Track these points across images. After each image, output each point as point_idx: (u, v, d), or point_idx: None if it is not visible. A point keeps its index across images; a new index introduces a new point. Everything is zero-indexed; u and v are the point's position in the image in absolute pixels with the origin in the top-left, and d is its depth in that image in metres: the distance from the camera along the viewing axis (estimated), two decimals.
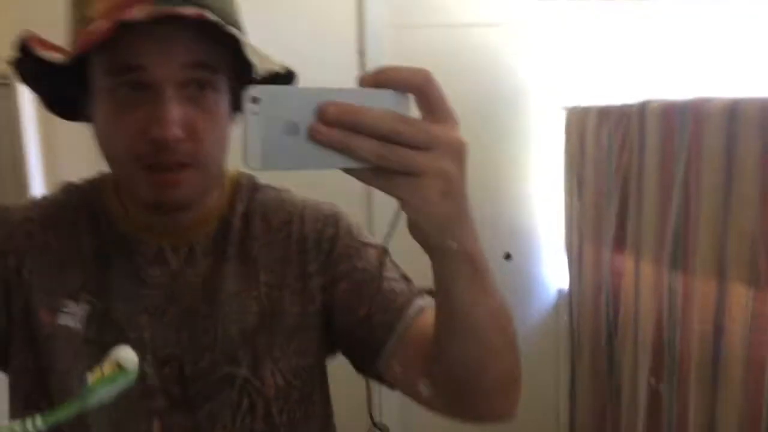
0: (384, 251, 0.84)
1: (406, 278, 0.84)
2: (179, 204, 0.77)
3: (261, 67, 0.73)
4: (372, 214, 2.40)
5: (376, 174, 0.48)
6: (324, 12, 2.39)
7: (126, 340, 0.76)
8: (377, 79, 0.48)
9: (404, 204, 0.50)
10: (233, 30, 0.69)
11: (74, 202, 0.86)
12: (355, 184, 0.52)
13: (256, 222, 0.87)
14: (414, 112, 0.50)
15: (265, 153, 0.46)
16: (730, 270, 1.66)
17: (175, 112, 0.70)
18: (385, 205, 2.35)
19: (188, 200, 0.77)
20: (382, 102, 0.48)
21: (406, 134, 0.47)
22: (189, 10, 0.66)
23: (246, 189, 0.89)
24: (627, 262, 2.17)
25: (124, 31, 0.65)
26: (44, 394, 0.79)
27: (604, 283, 2.32)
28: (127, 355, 0.56)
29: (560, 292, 2.70)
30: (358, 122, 0.46)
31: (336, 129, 0.46)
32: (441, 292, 0.60)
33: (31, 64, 0.72)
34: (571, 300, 2.61)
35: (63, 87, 0.77)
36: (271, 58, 0.78)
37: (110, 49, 0.68)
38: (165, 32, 0.68)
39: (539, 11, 2.54)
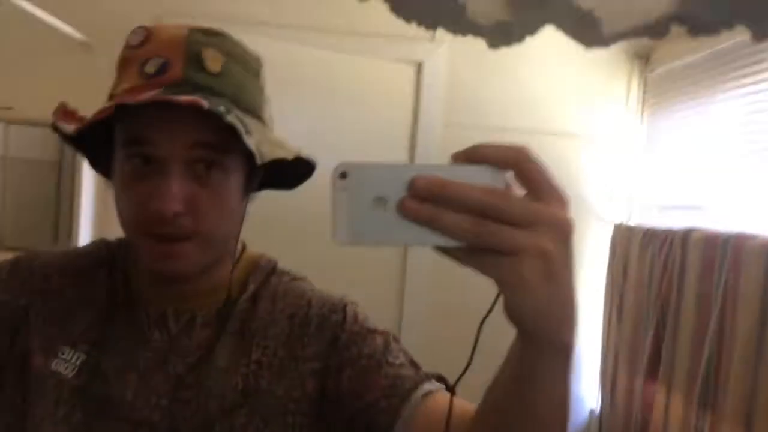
0: (390, 337, 0.85)
1: (413, 364, 0.84)
2: (178, 275, 0.79)
3: (271, 153, 0.76)
4: (405, 281, 2.36)
5: (470, 253, 0.46)
6: (382, 105, 2.47)
7: (110, 395, 0.80)
8: (471, 155, 0.46)
9: (501, 285, 0.47)
10: (232, 120, 0.71)
11: (101, 257, 0.91)
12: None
13: (264, 303, 0.88)
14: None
15: (353, 229, 0.46)
16: (757, 421, 1.54)
17: (176, 187, 0.73)
18: (416, 273, 2.45)
19: (187, 272, 0.79)
20: (477, 178, 0.45)
21: (502, 209, 0.44)
22: (185, 98, 0.69)
23: (262, 271, 0.91)
24: (658, 394, 2.05)
25: (140, 109, 0.71)
26: None
27: (634, 412, 2.19)
28: None
29: (592, 412, 2.57)
30: (450, 196, 0.44)
31: (427, 204, 0.45)
32: (520, 377, 0.56)
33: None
34: (601, 424, 2.48)
35: (101, 149, 0.83)
36: (286, 145, 0.82)
37: (128, 123, 0.75)
38: (174, 113, 0.72)
39: (597, 123, 2.54)
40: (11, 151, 2.38)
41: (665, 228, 2.13)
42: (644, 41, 2.47)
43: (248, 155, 0.77)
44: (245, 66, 0.81)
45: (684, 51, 2.30)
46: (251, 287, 0.89)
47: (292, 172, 0.88)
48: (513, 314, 0.48)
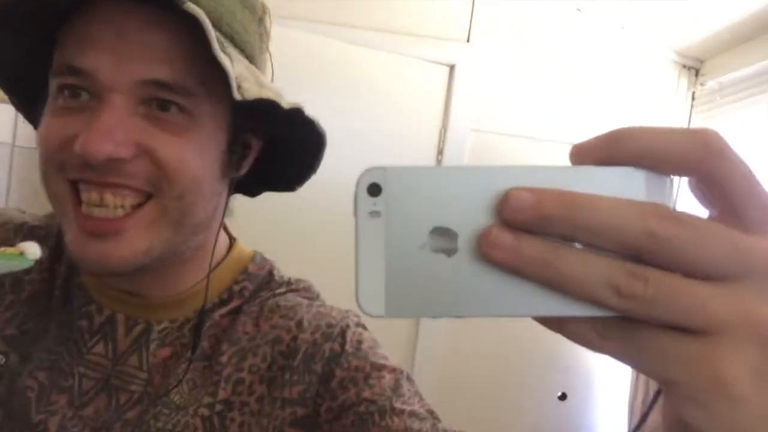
0: (403, 375, 0.63)
1: (430, 412, 0.62)
2: (108, 269, 0.56)
3: (256, 93, 0.55)
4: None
5: (618, 329, 0.26)
6: (413, 110, 2.34)
7: (27, 420, 0.61)
8: (613, 148, 0.26)
9: (676, 390, 0.26)
10: (193, 8, 0.50)
11: (48, 234, 0.71)
12: None
13: (246, 322, 0.66)
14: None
15: (394, 288, 0.26)
16: None
17: (113, 119, 0.52)
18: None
19: (127, 264, 0.56)
20: (617, 189, 0.26)
21: (685, 246, 0.24)
22: None
23: (253, 278, 0.70)
24: None
25: (78, 30, 0.53)
26: None
27: None
28: (32, 248, 0.55)
29: None
30: (585, 223, 0.25)
31: (535, 239, 0.26)
32: None
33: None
34: None
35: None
36: (281, 94, 0.60)
37: (62, 48, 0.55)
38: (123, 43, 0.53)
39: None
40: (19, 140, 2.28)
41: None
42: (694, 52, 2.32)
43: (228, 111, 0.59)
44: None
45: (736, 64, 2.15)
46: (232, 301, 0.68)
47: (291, 167, 0.70)
48: None
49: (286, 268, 0.75)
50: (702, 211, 0.27)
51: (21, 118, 0.67)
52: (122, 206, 0.55)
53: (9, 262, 0.54)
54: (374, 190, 0.27)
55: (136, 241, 0.56)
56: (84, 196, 0.55)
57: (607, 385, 2.44)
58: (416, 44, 2.32)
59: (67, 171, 0.55)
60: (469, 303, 0.26)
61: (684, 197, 0.27)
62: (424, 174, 0.27)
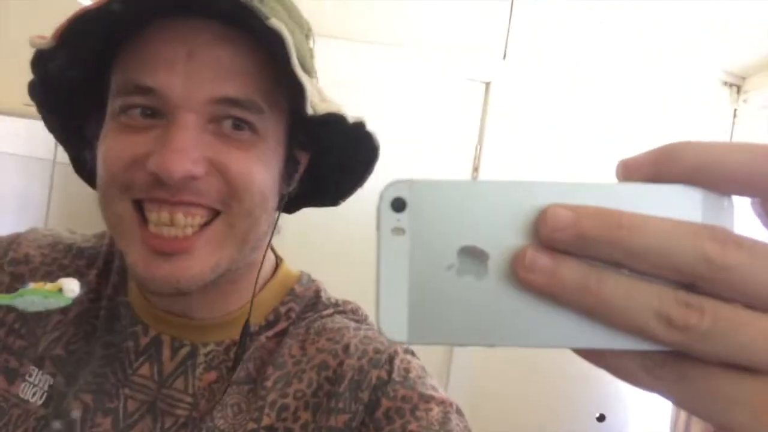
0: (453, 408, 0.60)
1: None
2: (177, 289, 0.55)
3: (325, 108, 0.55)
4: None
5: (671, 367, 0.23)
6: (449, 126, 2.34)
7: None
8: (660, 163, 0.24)
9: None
10: (277, 24, 0.49)
11: (95, 253, 0.71)
12: None
13: (292, 345, 0.65)
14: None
15: (417, 311, 0.24)
16: None
17: (190, 139, 0.52)
18: None
19: (196, 282, 0.56)
20: (668, 209, 0.23)
21: (746, 275, 0.22)
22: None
23: (299, 299, 0.68)
24: None
25: (145, 47, 0.53)
26: None
27: None
28: (71, 285, 0.55)
29: None
30: (633, 247, 0.22)
31: (575, 263, 0.23)
32: None
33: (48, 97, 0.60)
34: None
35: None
36: (342, 108, 0.59)
37: (123, 68, 0.55)
38: (194, 62, 0.53)
39: None
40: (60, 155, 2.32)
41: None
42: (737, 69, 2.29)
43: (286, 126, 0.58)
44: (290, 12, 0.60)
45: None
46: (279, 323, 0.66)
47: (341, 180, 0.69)
48: None
49: (328, 285, 0.74)
50: (766, 236, 0.23)
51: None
52: (191, 225, 0.55)
53: (46, 300, 0.54)
54: (398, 204, 0.24)
55: (205, 258, 0.55)
56: (153, 216, 0.54)
57: (647, 406, 2.39)
58: (452, 61, 2.32)
59: (133, 191, 0.54)
60: (500, 331, 0.24)
61: (745, 220, 0.24)
62: (453, 188, 0.24)
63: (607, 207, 0.23)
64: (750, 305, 0.22)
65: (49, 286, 0.54)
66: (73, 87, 0.59)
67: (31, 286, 0.54)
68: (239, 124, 0.55)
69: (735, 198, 0.24)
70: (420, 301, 0.24)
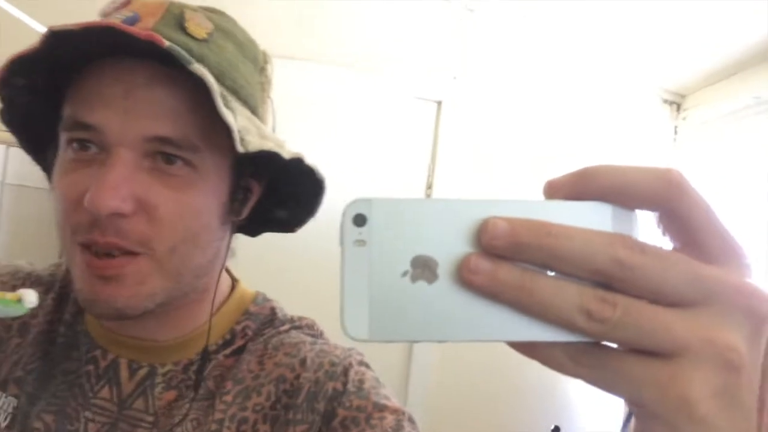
0: (405, 416, 0.63)
1: None
2: (116, 311, 0.57)
3: (259, 145, 0.57)
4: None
5: (587, 354, 0.28)
6: (401, 143, 2.37)
7: None
8: (583, 184, 0.28)
9: (642, 409, 0.28)
10: (198, 69, 0.52)
11: (53, 280, 0.73)
12: None
13: (250, 361, 0.67)
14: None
15: (377, 313, 0.28)
16: None
17: (119, 175, 0.54)
18: None
19: (131, 307, 0.57)
20: (586, 222, 0.28)
21: (651, 274, 0.26)
22: (136, 29, 0.51)
23: (255, 318, 0.71)
24: None
25: (89, 88, 0.56)
26: None
27: None
28: (30, 296, 0.56)
29: None
30: (558, 252, 0.27)
31: (511, 266, 0.27)
32: None
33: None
34: None
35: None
36: (287, 146, 0.62)
37: (71, 104, 0.57)
38: (131, 101, 0.55)
39: None
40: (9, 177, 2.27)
41: None
42: (677, 87, 2.38)
43: (230, 160, 0.61)
44: (241, 48, 0.63)
45: (718, 98, 2.20)
46: (235, 341, 0.69)
47: (294, 205, 0.72)
48: None
49: (286, 303, 0.76)
50: (667, 244, 0.29)
51: (10, 155, 0.69)
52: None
53: (6, 308, 0.56)
54: (359, 220, 0.28)
55: (135, 287, 0.57)
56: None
57: (600, 417, 2.42)
58: (404, 80, 2.36)
59: (78, 234, 0.57)
60: (449, 328, 0.28)
61: (649, 231, 0.29)
62: (407, 205, 0.28)
63: (537, 219, 0.27)
64: (655, 300, 0.27)
65: (9, 295, 0.56)
66: (34, 115, 0.62)
67: None
68: (171, 159, 0.57)
69: (639, 212, 0.29)
70: (379, 304, 0.28)
